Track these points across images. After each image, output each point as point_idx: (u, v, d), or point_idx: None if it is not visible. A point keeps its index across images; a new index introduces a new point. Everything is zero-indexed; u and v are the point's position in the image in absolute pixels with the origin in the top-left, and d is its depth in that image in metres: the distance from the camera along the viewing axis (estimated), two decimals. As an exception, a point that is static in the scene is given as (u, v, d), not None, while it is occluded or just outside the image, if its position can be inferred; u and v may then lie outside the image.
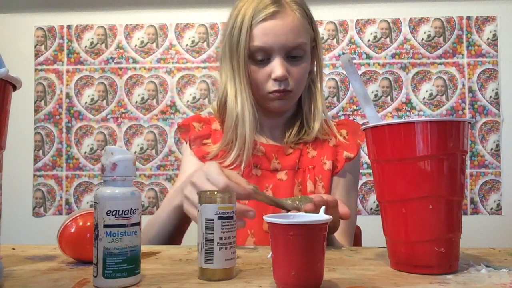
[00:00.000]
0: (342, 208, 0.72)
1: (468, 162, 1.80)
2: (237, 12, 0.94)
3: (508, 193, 1.80)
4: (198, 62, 1.88)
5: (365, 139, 0.68)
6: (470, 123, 0.61)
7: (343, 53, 1.84)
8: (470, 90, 1.82)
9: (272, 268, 0.51)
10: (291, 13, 0.92)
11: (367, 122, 0.66)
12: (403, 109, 1.83)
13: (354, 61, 1.84)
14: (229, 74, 0.95)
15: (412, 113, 1.83)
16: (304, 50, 0.94)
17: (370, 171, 1.81)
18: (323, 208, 0.54)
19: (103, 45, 1.90)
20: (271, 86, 0.93)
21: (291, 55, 0.93)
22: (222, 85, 0.99)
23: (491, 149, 1.81)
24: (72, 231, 0.63)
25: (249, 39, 0.91)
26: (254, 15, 0.90)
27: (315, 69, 1.02)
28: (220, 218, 0.54)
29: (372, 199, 1.83)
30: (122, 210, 0.51)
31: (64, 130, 1.89)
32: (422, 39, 1.84)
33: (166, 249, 0.74)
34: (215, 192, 0.56)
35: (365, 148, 1.77)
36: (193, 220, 0.74)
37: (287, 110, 1.01)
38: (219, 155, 0.97)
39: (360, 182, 1.83)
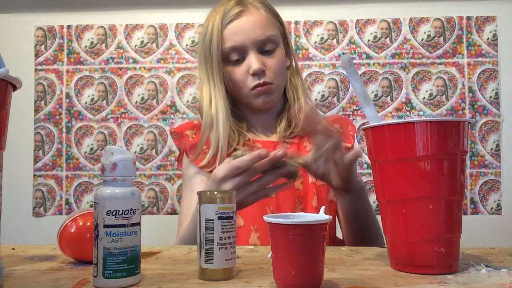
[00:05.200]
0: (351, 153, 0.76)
1: (468, 162, 1.80)
2: (207, 23, 0.98)
3: (508, 193, 1.80)
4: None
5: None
6: (470, 123, 0.61)
7: (343, 53, 1.84)
8: (470, 90, 1.82)
9: (272, 268, 0.51)
10: (255, 11, 0.97)
11: (367, 122, 0.66)
12: (403, 109, 1.83)
13: (354, 61, 1.84)
14: (204, 79, 0.98)
15: (412, 113, 1.83)
16: (274, 42, 0.97)
17: (370, 171, 1.81)
18: (323, 208, 0.55)
19: (103, 45, 1.90)
20: (251, 82, 0.96)
21: (264, 50, 0.96)
22: (199, 92, 1.02)
23: (491, 149, 1.81)
24: (72, 231, 0.63)
25: (221, 42, 0.94)
26: (222, 19, 0.95)
27: (293, 63, 1.06)
28: (220, 218, 0.54)
29: (372, 199, 1.82)
30: (122, 210, 0.51)
31: (64, 130, 1.89)
32: (422, 39, 1.84)
33: (166, 249, 0.75)
34: (215, 192, 0.56)
35: (365, 148, 1.77)
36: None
37: (273, 105, 1.03)
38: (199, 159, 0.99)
39: (360, 182, 1.83)
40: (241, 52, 0.95)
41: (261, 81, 0.95)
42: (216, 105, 0.95)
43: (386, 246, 0.63)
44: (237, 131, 0.99)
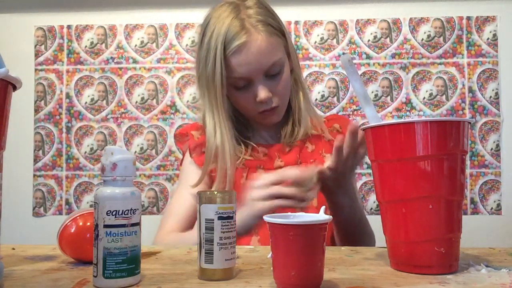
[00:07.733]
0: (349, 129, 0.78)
1: (468, 162, 1.80)
2: (207, 41, 0.93)
3: (508, 193, 1.80)
4: (198, 62, 1.88)
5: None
6: (470, 123, 0.61)
7: (343, 53, 1.84)
8: (470, 90, 1.82)
9: (272, 268, 0.51)
10: (259, 37, 0.91)
11: (367, 122, 0.66)
12: (403, 109, 1.83)
13: (354, 61, 1.84)
14: (208, 106, 0.96)
15: (412, 113, 1.83)
16: (280, 64, 0.95)
17: (370, 171, 1.81)
18: (323, 208, 0.55)
19: (103, 45, 1.90)
20: (258, 108, 0.95)
21: (270, 74, 0.94)
22: (201, 112, 1.01)
23: (491, 149, 1.81)
24: (72, 231, 0.63)
25: (225, 72, 0.91)
26: (225, 46, 0.91)
27: (295, 66, 1.04)
28: (220, 218, 0.54)
29: (372, 199, 1.82)
30: (122, 210, 0.51)
31: (64, 130, 1.89)
32: (422, 39, 1.84)
33: (166, 249, 0.75)
34: (215, 192, 0.56)
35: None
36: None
37: (279, 120, 1.02)
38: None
39: (360, 182, 1.83)
40: (247, 80, 0.94)
41: (268, 107, 0.95)
42: (222, 136, 0.94)
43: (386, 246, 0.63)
44: (243, 142, 1.00)
